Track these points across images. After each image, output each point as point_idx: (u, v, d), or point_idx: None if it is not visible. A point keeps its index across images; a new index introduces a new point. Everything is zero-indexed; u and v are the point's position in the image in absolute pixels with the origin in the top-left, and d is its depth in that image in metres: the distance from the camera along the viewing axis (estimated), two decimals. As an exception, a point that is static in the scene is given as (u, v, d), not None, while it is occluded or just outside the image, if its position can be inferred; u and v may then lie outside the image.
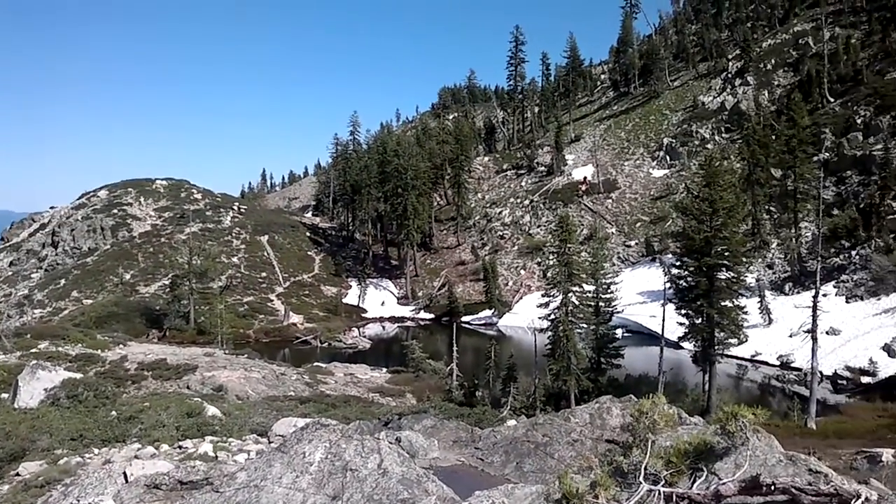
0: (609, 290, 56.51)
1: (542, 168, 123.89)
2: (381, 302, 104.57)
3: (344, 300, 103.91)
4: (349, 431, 13.40)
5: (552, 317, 51.09)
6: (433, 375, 62.54)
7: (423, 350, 67.27)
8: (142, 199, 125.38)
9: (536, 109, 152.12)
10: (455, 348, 59.66)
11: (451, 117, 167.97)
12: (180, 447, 23.73)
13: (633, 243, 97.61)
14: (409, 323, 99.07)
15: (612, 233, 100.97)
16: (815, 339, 43.17)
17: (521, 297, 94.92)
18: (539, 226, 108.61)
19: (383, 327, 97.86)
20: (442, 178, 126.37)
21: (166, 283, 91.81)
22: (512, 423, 27.28)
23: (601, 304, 55.52)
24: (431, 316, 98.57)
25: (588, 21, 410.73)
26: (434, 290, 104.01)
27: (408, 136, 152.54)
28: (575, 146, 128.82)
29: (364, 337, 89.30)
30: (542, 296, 53.89)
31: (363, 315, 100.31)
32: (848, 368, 56.30)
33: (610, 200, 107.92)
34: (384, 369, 67.47)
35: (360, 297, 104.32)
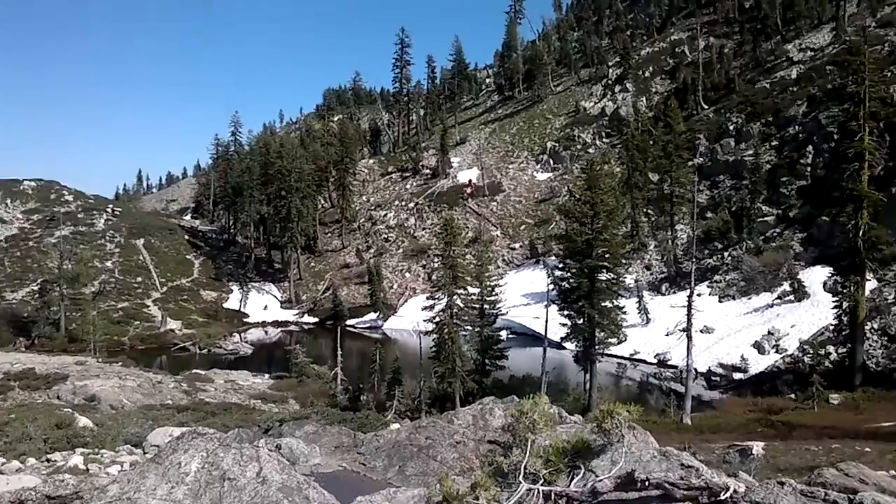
0: (494, 293, 56.88)
1: (428, 171, 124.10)
2: (263, 306, 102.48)
3: (225, 305, 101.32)
4: (227, 440, 12.82)
5: (437, 319, 51.04)
6: (317, 380, 61.69)
7: (307, 355, 66.27)
8: (8, 202, 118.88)
9: (422, 112, 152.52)
10: (340, 352, 59.00)
11: (335, 119, 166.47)
12: (48, 461, 22.44)
13: (517, 246, 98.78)
14: (292, 327, 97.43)
15: (497, 235, 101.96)
16: (690, 338, 44.42)
17: (406, 300, 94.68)
18: (424, 228, 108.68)
19: (266, 332, 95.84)
20: (326, 181, 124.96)
21: (35, 288, 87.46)
22: (396, 426, 27.01)
23: (486, 306, 55.84)
24: (316, 320, 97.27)
25: (473, 25, 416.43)
26: (318, 293, 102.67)
27: (291, 137, 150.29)
28: (460, 149, 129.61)
29: (246, 342, 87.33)
30: (428, 298, 53.85)
31: (245, 320, 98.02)
32: (721, 365, 58.33)
33: (495, 203, 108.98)
34: (266, 375, 66.14)
35: (241, 301, 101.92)
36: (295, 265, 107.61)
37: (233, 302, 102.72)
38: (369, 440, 21.50)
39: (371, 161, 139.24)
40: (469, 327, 54.85)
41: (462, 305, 52.64)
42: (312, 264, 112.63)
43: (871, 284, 56.30)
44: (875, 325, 53.58)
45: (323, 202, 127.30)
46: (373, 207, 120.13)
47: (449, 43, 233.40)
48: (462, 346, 51.92)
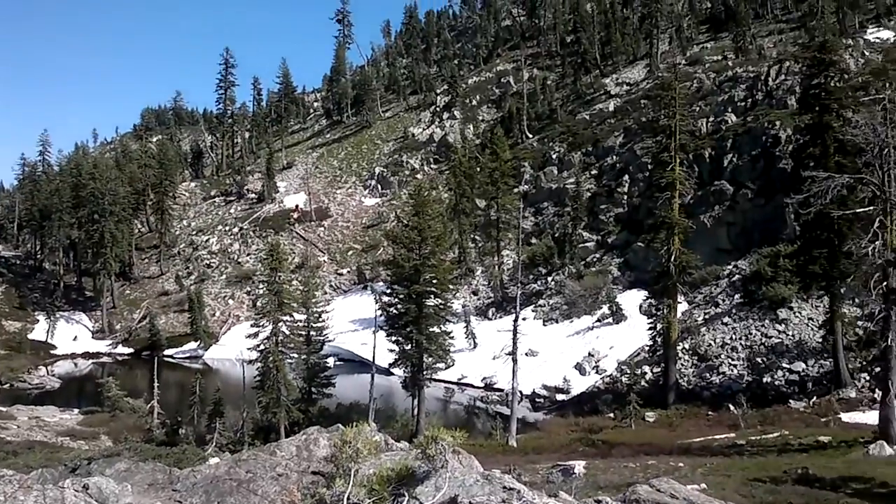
0: (320, 319, 56.08)
1: (253, 195, 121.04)
2: (73, 337, 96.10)
3: (30, 336, 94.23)
4: (29, 481, 11.73)
5: (262, 347, 49.51)
6: (132, 414, 58.47)
7: (122, 387, 62.49)
8: None
9: (247, 135, 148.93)
10: (156, 384, 56.24)
11: (155, 140, 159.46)
12: None
13: (345, 271, 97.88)
14: (105, 359, 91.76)
15: (324, 261, 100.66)
16: (515, 361, 45.04)
17: (229, 328, 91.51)
18: (249, 254, 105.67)
19: (76, 364, 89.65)
20: (144, 204, 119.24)
21: None
22: (215, 460, 25.64)
23: (312, 332, 54.96)
24: (131, 350, 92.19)
25: (301, 49, 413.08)
26: (134, 322, 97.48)
27: (106, 158, 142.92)
28: (287, 173, 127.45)
29: (53, 376, 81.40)
30: (252, 326, 52.24)
31: (52, 352, 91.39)
32: (545, 387, 59.73)
33: (322, 228, 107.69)
34: (76, 410, 62.14)
35: (48, 331, 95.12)
36: (108, 293, 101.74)
37: (39, 332, 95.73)
38: (186, 476, 20.26)
39: (193, 184, 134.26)
40: (295, 355, 53.77)
41: (288, 332, 51.35)
42: (128, 292, 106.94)
43: (682, 307, 59.38)
44: (686, 346, 56.37)
45: (140, 226, 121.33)
46: (194, 232, 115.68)
47: (276, 65, 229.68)
48: (287, 375, 50.64)
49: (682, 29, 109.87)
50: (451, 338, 51.63)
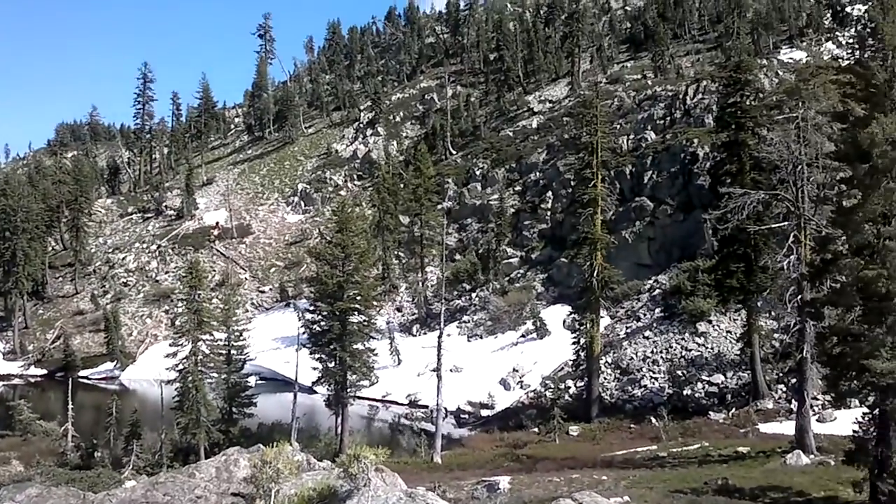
0: (241, 338, 54.96)
1: (172, 212, 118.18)
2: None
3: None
4: None
5: (180, 367, 48.36)
6: (45, 438, 56.37)
7: (34, 410, 60.18)
8: None
9: (166, 151, 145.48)
10: (71, 406, 54.30)
11: (69, 155, 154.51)
12: None
13: (267, 289, 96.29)
14: (16, 381, 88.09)
15: (246, 278, 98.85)
16: (440, 378, 44.86)
17: (146, 348, 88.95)
18: (167, 272, 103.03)
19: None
20: (58, 221, 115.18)
21: None
22: (131, 483, 24.84)
23: (233, 351, 53.88)
24: (44, 372, 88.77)
25: (222, 64, 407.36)
26: (47, 343, 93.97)
27: (18, 174, 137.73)
28: (207, 190, 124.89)
29: (-41, 400, 77.76)
30: (170, 345, 50.86)
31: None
32: (470, 403, 59.63)
33: (244, 246, 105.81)
34: (-15, 435, 59.13)
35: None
36: (20, 313, 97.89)
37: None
38: (100, 500, 19.79)
39: (109, 201, 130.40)
40: (215, 374, 52.53)
41: (208, 352, 50.30)
42: (41, 311, 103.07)
43: (605, 321, 60.02)
44: (609, 360, 56.98)
45: (54, 244, 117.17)
46: (110, 250, 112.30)
47: (196, 80, 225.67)
48: (207, 395, 49.65)
49: (602, 48, 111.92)
50: (375, 355, 51.13)
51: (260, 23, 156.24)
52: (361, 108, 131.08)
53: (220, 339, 52.74)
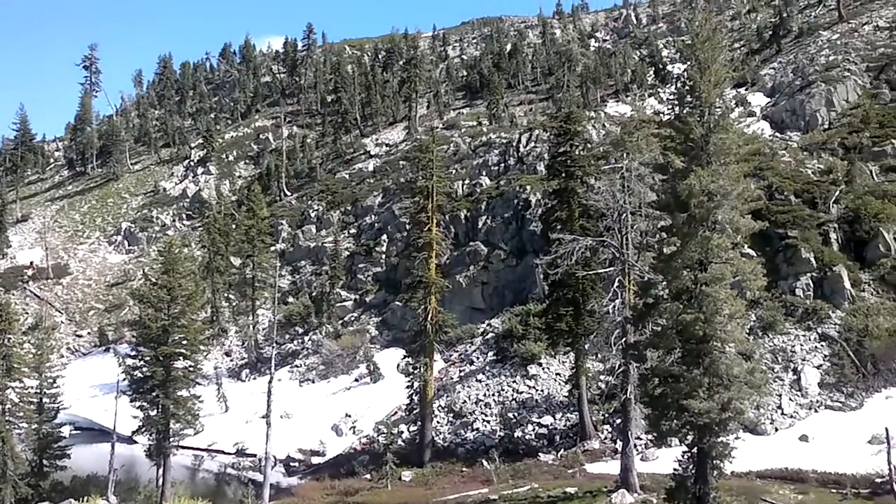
0: (55, 385, 51.67)
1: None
2: None
3: None
4: None
5: (-16, 417, 44.37)
6: None
7: None
8: None
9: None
10: None
11: None
12: None
13: (85, 333, 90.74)
14: None
15: (62, 321, 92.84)
16: (269, 424, 43.43)
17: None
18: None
19: None
20: None
21: None
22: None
23: (46, 400, 50.99)
24: None
25: (43, 94, 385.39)
26: None
27: None
28: (22, 227, 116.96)
29: None
30: (-27, 394, 46.71)
31: None
32: (300, 450, 58.05)
33: (60, 287, 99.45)
34: None
35: None
36: None
37: None
38: None
39: None
40: (25, 424, 48.90)
41: (17, 400, 47.31)
42: None
43: (438, 365, 60.15)
44: (442, 403, 56.96)
45: None
46: None
47: (13, 111, 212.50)
48: (15, 447, 46.59)
49: (439, 94, 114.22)
50: (201, 402, 48.98)
51: (86, 54, 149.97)
52: (192, 145, 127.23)
53: (32, 387, 50.09)
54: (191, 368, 47.71)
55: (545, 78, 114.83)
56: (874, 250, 55.96)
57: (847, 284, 53.36)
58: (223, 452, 61.28)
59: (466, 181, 79.22)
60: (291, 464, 57.26)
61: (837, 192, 59.86)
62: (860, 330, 49.79)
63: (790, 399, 47.93)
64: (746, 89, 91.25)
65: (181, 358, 46.79)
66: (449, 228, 70.30)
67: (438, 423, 55.23)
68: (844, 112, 76.44)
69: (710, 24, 32.92)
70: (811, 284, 54.34)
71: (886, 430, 37.94)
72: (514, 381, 56.46)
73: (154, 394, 45.88)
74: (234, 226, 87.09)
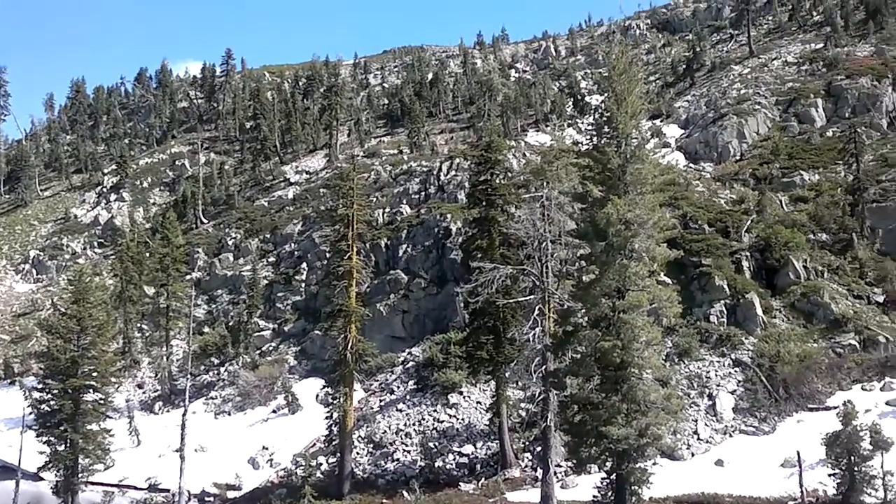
0: (-48, 420, 49.08)
1: None
2: None
3: None
4: None
5: None
6: None
7: None
8: None
9: None
10: None
11: None
12: None
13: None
14: None
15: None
16: (183, 458, 42.45)
17: None
18: None
19: None
20: None
21: None
22: None
23: (-59, 436, 47.96)
24: None
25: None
26: None
27: None
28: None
29: None
30: None
31: None
32: (216, 485, 56.47)
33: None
34: None
35: None
36: None
37: None
38: None
39: None
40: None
41: None
42: None
43: (358, 394, 59.50)
44: (362, 433, 56.26)
45: None
46: None
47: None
48: None
49: (360, 122, 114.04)
50: (112, 435, 47.64)
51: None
52: (105, 171, 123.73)
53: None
54: (101, 401, 46.52)
55: (466, 107, 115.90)
56: (784, 278, 57.90)
57: (759, 311, 54.98)
58: (135, 488, 59.12)
59: (387, 209, 79.06)
60: (206, 498, 55.61)
61: (749, 222, 61.89)
62: (772, 355, 51.25)
63: (706, 424, 48.85)
64: (662, 121, 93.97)
65: (91, 390, 45.72)
66: (369, 257, 69.83)
67: (358, 454, 54.48)
68: (755, 144, 79.40)
69: (627, 58, 33.71)
70: (725, 311, 55.85)
71: (798, 453, 39.01)
72: (435, 410, 56.14)
73: (62, 428, 44.62)
74: (147, 254, 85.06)
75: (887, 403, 46.96)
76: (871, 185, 65.25)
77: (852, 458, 36.38)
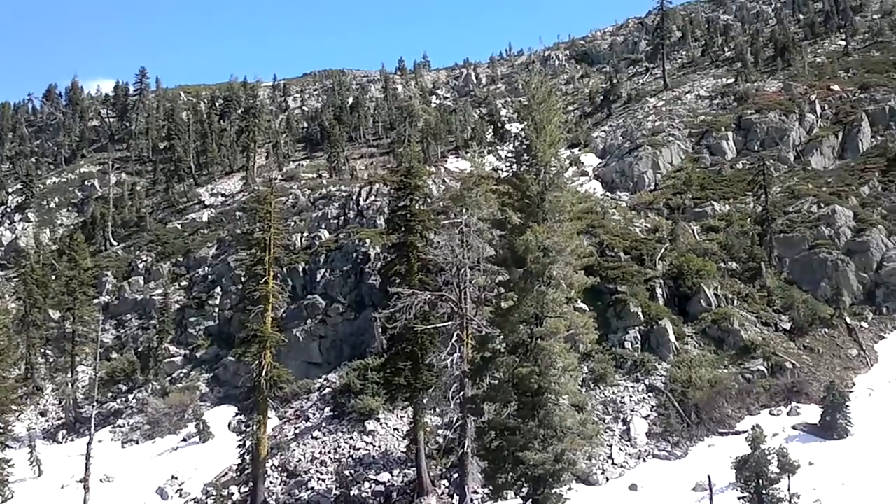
0: None
1: None
2: None
3: None
4: None
5: None
6: None
7: None
8: None
9: None
10: None
11: None
12: None
13: None
14: None
15: None
16: (87, 489, 40.82)
17: None
18: None
19: None
20: None
21: None
22: None
23: None
24: None
25: None
26: None
27: None
28: None
29: None
30: None
31: None
32: (122, 518, 54.45)
33: None
34: None
35: None
36: None
37: None
38: None
39: None
40: None
41: None
42: None
43: (273, 422, 58.27)
44: (276, 462, 55.09)
45: None
46: None
47: None
48: None
49: (279, 145, 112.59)
50: (11, 466, 45.43)
51: None
52: (10, 190, 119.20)
53: None
54: (0, 430, 44.17)
55: (387, 132, 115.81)
56: (696, 305, 59.30)
57: (672, 337, 56.11)
58: (34, 521, 56.65)
59: (305, 234, 78.15)
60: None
61: (663, 250, 63.32)
62: (684, 381, 52.28)
63: (620, 449, 49.41)
64: (580, 150, 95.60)
65: (-11, 419, 43.31)
66: (286, 281, 68.72)
67: (272, 483, 53.25)
68: (669, 174, 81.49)
69: (546, 87, 34.13)
70: (639, 337, 56.82)
71: (709, 477, 39.73)
72: (352, 437, 55.39)
73: (-44, 459, 42.12)
74: (53, 276, 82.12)
75: (794, 427, 48.33)
76: (778, 216, 67.44)
77: (761, 481, 37.12)
